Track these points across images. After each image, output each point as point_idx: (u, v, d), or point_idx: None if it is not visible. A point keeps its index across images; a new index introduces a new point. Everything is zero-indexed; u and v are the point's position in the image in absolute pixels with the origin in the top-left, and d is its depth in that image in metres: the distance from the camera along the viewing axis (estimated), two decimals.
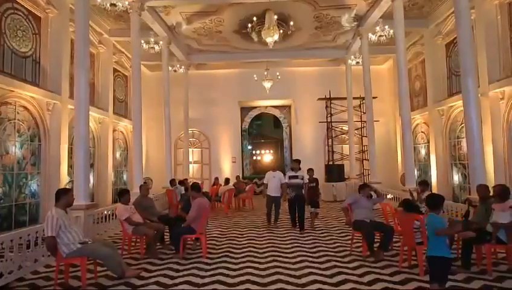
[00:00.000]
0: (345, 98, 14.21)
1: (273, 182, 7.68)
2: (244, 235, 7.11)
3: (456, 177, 10.85)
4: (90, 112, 6.94)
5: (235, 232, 7.50)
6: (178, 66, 13.53)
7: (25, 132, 8.28)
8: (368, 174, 13.76)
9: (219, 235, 7.17)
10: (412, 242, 4.70)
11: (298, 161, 7.46)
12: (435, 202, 3.44)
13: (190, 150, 15.18)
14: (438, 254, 3.22)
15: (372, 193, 6.06)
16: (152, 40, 10.87)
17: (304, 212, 7.25)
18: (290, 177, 7.30)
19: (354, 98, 14.10)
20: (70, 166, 9.27)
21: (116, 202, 6.80)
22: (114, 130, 12.57)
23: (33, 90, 8.30)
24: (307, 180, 7.34)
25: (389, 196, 10.26)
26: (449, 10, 10.04)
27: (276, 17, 10.00)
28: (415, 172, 11.04)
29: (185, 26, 11.55)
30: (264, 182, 7.91)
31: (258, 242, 6.52)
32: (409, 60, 12.82)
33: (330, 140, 15.26)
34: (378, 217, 6.95)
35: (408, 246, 4.88)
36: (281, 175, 7.78)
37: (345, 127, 15.12)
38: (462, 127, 9.93)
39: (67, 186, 8.70)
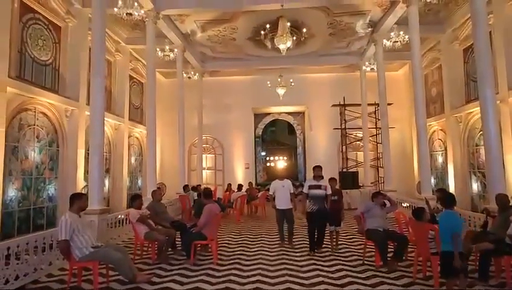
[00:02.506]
0: (359, 105, 14.08)
1: (282, 192, 6.65)
2: (256, 243, 7.07)
3: (475, 186, 10.53)
4: (106, 118, 7.10)
5: (246, 239, 7.47)
6: (192, 73, 13.70)
7: (44, 138, 8.53)
8: (383, 182, 13.53)
9: (230, 242, 7.16)
10: (427, 252, 4.58)
11: (320, 168, 6.18)
12: (451, 197, 3.43)
13: (204, 156, 15.28)
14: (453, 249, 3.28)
15: (386, 201, 5.95)
16: (167, 47, 11.07)
17: (324, 231, 6.22)
18: (311, 187, 6.07)
19: (369, 104, 13.95)
20: (86, 171, 9.47)
21: (130, 207, 6.91)
22: (129, 136, 12.78)
23: (52, 97, 8.56)
24: (330, 192, 6.17)
25: (404, 205, 10.04)
26: (466, 15, 9.85)
27: (289, 24, 10.03)
28: (432, 180, 10.79)
29: (199, 34, 11.73)
30: (270, 193, 6.81)
31: (269, 249, 6.48)
32: (425, 66, 12.64)
33: (344, 147, 15.11)
34: (392, 226, 6.81)
35: (422, 257, 4.76)
36: (289, 184, 6.82)
37: (360, 134, 14.94)
38: (481, 134, 9.67)
39: (83, 191, 8.88)
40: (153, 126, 9.46)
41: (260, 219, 10.50)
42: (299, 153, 17.36)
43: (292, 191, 6.77)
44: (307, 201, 6.15)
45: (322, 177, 6.17)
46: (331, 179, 6.47)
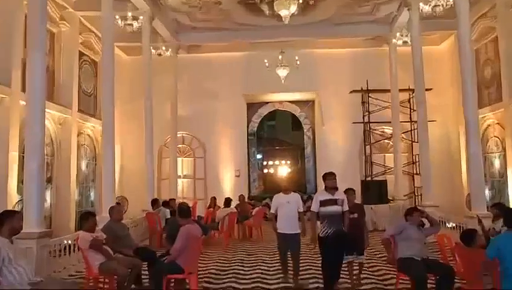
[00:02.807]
0: (388, 91, 14.15)
1: (287, 210, 6.56)
2: (249, 277, 7.07)
3: None
4: (47, 110, 7.08)
5: (236, 271, 7.47)
6: (164, 48, 13.68)
7: None
8: (420, 195, 13.59)
9: (215, 276, 7.16)
10: (480, 288, 4.60)
11: (333, 176, 6.03)
12: None
13: (179, 159, 15.27)
14: None
15: (425, 220, 5.97)
16: (130, 14, 11.03)
17: (342, 261, 6.05)
18: (323, 203, 5.92)
19: (401, 90, 14.04)
20: (21, 181, 9.39)
21: (80, 229, 6.86)
22: (79, 133, 12.73)
23: None
24: (347, 208, 6.04)
25: (449, 225, 10.10)
26: None
27: None
28: (486, 192, 10.84)
29: None
30: (272, 211, 6.77)
31: (267, 287, 6.48)
32: (476, 38, 12.72)
33: (368, 147, 15.17)
34: (433, 254, 6.84)
35: None
36: (297, 199, 6.75)
37: (389, 130, 15.01)
38: None
39: (15, 208, 8.81)
40: (111, 120, 9.43)
41: (255, 244, 10.49)
42: (307, 155, 17.43)
43: (301, 210, 6.68)
44: (318, 222, 6.04)
45: (337, 189, 5.99)
46: (348, 191, 6.44)
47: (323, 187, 6.12)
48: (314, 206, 5.99)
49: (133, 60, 15.34)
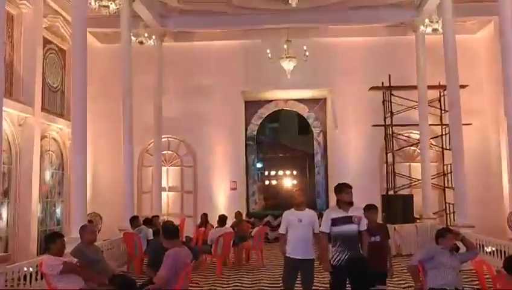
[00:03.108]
0: (414, 88, 14.18)
1: (299, 231, 6.33)
2: None
3: None
4: (4, 108, 7.03)
5: None
6: (146, 35, 13.66)
7: None
8: (453, 212, 13.57)
9: None
10: None
11: (349, 188, 5.95)
12: None
13: (164, 169, 15.27)
14: None
15: (459, 243, 5.97)
16: None
17: None
18: (335, 221, 5.82)
19: (430, 87, 14.07)
20: None
21: (44, 253, 6.82)
22: (43, 137, 12.71)
23: None
24: (365, 227, 5.94)
25: (488, 249, 10.08)
26: None
27: None
28: None
29: None
30: (281, 231, 6.50)
31: None
32: None
33: (390, 155, 15.16)
34: (470, 284, 6.81)
35: None
36: (313, 217, 6.49)
37: (415, 135, 15.03)
38: None
39: None
40: (82, 121, 9.39)
41: (255, 271, 10.47)
42: (317, 164, 17.41)
43: (317, 231, 6.26)
44: (330, 245, 5.92)
45: (352, 204, 5.89)
46: (369, 208, 6.38)
47: (335, 202, 6.01)
48: (325, 226, 5.85)
49: (109, 49, 15.34)
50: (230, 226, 11.78)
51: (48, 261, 5.93)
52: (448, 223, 13.46)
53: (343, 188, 5.89)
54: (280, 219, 6.77)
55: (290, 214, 6.46)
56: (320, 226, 6.03)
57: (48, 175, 13.12)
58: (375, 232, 6.19)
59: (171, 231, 5.93)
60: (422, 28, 13.33)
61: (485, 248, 10.08)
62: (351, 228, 5.77)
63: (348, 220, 5.76)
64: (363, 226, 5.86)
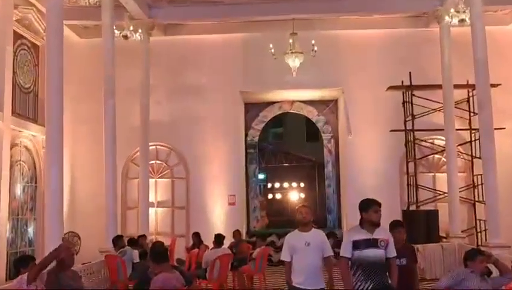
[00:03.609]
0: (439, 87, 14.16)
1: (307, 256, 6.15)
2: None
3: None
4: None
5: None
6: (132, 28, 13.65)
7: None
8: (484, 230, 13.52)
9: None
10: None
11: (378, 205, 5.80)
12: None
13: (152, 181, 15.22)
14: None
15: (491, 266, 5.99)
16: None
17: None
18: (357, 245, 5.68)
19: (457, 86, 14.04)
20: None
21: (15, 277, 6.85)
22: (13, 145, 12.64)
23: None
24: (395, 253, 5.80)
25: None
26: None
27: None
28: None
29: None
30: (284, 258, 6.33)
31: None
32: None
33: (412, 164, 15.14)
34: None
35: None
36: (322, 239, 6.35)
37: (440, 141, 15.06)
38: None
39: None
40: (58, 127, 9.34)
41: None
42: (328, 175, 17.41)
43: (328, 255, 6.23)
44: (351, 273, 5.75)
45: (379, 225, 5.72)
46: (395, 225, 6.32)
47: (359, 221, 5.80)
48: (345, 250, 5.68)
49: (89, 45, 15.36)
50: (228, 247, 11.75)
51: (19, 282, 5.99)
52: (479, 243, 13.41)
53: (370, 205, 5.69)
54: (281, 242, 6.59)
55: (295, 237, 6.29)
56: (340, 248, 5.78)
57: (18, 189, 13.05)
58: (401, 254, 6.02)
59: (160, 253, 5.90)
60: (447, 18, 13.29)
61: None
62: (377, 253, 5.60)
63: (373, 243, 5.59)
64: (392, 251, 5.70)
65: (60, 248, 6.24)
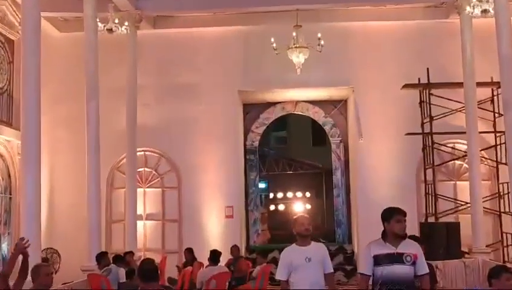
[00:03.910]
0: (459, 85, 14.13)
1: (310, 273, 6.17)
2: None
3: None
4: None
5: None
6: (117, 21, 13.67)
7: None
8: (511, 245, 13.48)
9: None
10: None
11: (402, 215, 5.76)
12: None
13: (140, 191, 15.20)
14: None
15: None
16: None
17: None
18: (379, 260, 5.62)
19: (480, 84, 14.00)
20: None
21: None
22: None
23: None
24: (427, 270, 5.76)
25: None
26: None
27: None
28: None
29: None
30: (279, 277, 6.32)
31: None
32: None
33: (430, 171, 15.06)
34: None
35: None
36: (323, 253, 6.37)
37: (461, 145, 15.02)
38: None
39: None
40: (35, 131, 9.40)
41: None
42: (336, 183, 17.42)
43: (329, 271, 6.26)
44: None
45: (404, 237, 5.68)
46: (414, 239, 6.21)
47: (381, 233, 5.72)
48: (365, 266, 5.66)
49: (70, 39, 15.37)
50: (225, 265, 11.80)
51: None
52: (505, 259, 13.38)
53: (392, 214, 5.63)
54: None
55: (293, 253, 6.26)
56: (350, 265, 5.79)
57: None
58: None
59: (149, 271, 5.82)
60: (468, 8, 13.25)
61: None
62: (402, 269, 5.50)
63: (398, 258, 5.50)
64: (422, 268, 5.61)
65: (17, 246, 6.13)
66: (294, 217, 6.66)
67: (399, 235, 5.52)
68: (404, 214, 5.63)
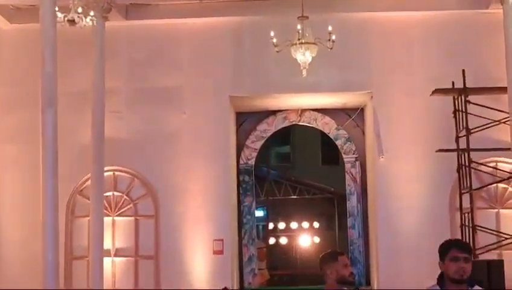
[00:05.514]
0: (503, 90, 14.07)
1: None
2: None
3: None
4: None
5: None
6: (80, 10, 13.64)
7: None
8: None
9: None
10: None
11: (466, 251, 5.22)
12: None
13: (107, 220, 15.16)
14: None
15: None
16: None
17: None
18: None
19: None
20: None
21: None
22: None
23: None
24: None
25: None
26: None
27: None
28: None
29: None
30: None
31: None
32: None
33: (467, 197, 15.01)
34: None
35: None
36: None
37: (506, 164, 15.05)
38: None
39: None
40: None
41: None
42: (351, 211, 17.40)
43: None
44: None
45: (465, 281, 5.04)
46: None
47: (439, 274, 5.17)
48: None
49: (22, 33, 15.45)
50: None
51: None
52: None
53: (449, 249, 5.07)
54: None
55: None
56: None
57: None
58: None
59: None
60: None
61: None
62: None
63: None
64: None
65: None
66: (329, 251, 6.41)
67: (454, 280, 4.96)
68: (465, 248, 5.04)
